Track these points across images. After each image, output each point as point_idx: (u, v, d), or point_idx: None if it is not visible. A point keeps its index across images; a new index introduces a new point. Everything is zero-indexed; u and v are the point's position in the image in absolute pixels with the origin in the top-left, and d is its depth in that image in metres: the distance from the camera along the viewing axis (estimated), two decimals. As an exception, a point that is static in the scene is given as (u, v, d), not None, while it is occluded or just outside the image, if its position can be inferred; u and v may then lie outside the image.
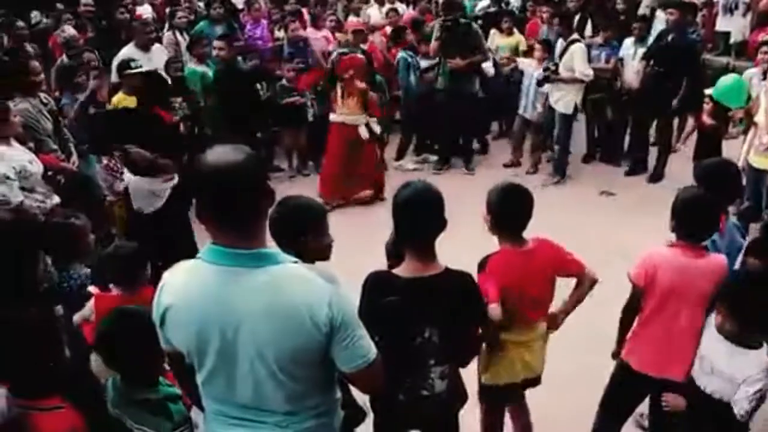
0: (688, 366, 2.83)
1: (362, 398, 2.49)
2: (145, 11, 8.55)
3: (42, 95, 4.75)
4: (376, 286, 2.38)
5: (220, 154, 1.68)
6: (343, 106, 6.49)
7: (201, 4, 9.24)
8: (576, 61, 6.64)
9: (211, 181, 1.67)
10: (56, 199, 3.96)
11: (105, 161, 5.16)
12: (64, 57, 6.45)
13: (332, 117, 6.61)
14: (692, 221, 2.79)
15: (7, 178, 3.68)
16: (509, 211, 2.74)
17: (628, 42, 7.02)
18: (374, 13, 8.94)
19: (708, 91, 6.01)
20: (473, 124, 7.65)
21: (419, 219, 2.38)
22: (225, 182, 1.65)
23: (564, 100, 6.82)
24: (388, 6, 8.82)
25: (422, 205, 2.38)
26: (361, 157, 6.60)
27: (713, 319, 2.73)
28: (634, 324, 2.94)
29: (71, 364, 2.40)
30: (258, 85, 7.05)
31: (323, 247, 2.41)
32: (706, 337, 2.76)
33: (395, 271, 2.44)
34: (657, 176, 6.79)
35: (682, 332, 2.81)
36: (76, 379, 2.37)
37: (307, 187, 6.92)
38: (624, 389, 3.03)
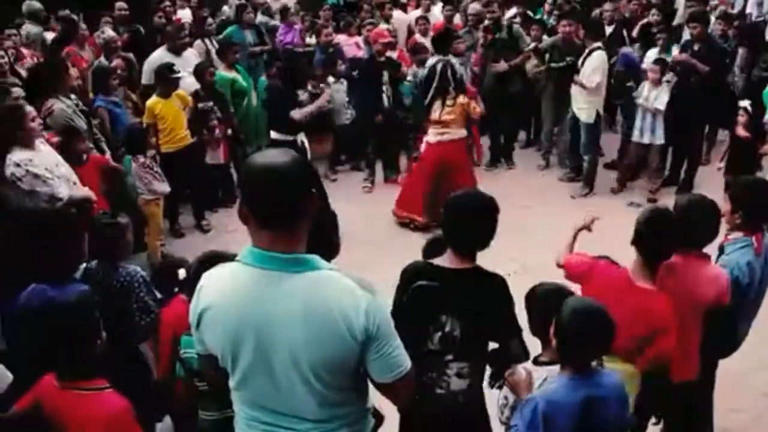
0: (698, 363, 2.86)
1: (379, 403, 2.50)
2: (185, 16, 8.69)
3: (74, 96, 4.88)
4: (413, 273, 2.47)
5: (267, 156, 1.72)
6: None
7: (227, 9, 9.36)
8: (588, 67, 6.61)
9: (255, 182, 1.69)
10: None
11: (142, 159, 5.23)
12: (102, 58, 6.60)
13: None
14: (691, 227, 2.76)
15: (46, 179, 3.77)
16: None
17: (652, 53, 6.93)
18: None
19: (742, 104, 5.93)
20: (513, 125, 7.96)
21: (468, 229, 2.45)
22: (268, 185, 1.67)
23: (587, 108, 6.78)
24: (417, 13, 8.85)
25: (474, 216, 2.45)
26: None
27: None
28: None
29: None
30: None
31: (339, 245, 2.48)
32: None
33: (434, 260, 2.52)
34: (686, 188, 6.67)
35: (687, 335, 2.78)
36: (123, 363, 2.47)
37: (334, 193, 6.97)
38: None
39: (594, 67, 6.57)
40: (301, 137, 5.96)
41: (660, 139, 6.61)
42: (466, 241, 2.48)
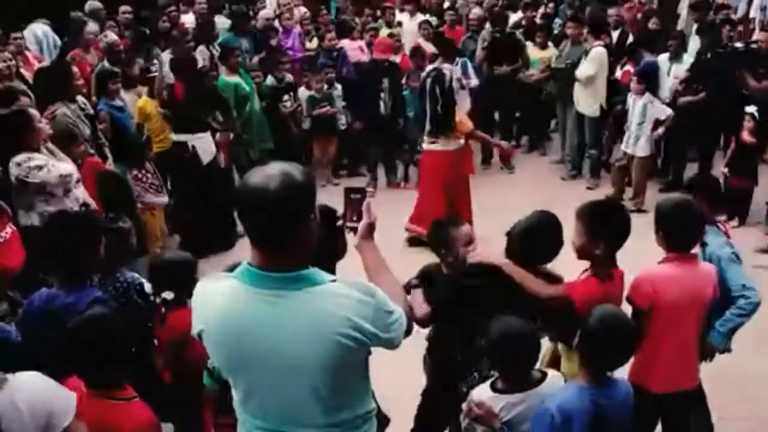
0: (697, 371, 2.90)
1: (385, 406, 2.49)
2: (188, 20, 8.70)
3: (80, 100, 4.87)
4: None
5: (261, 176, 1.65)
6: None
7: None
8: (586, 61, 6.85)
9: (248, 203, 1.66)
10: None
11: (135, 172, 5.12)
12: (105, 62, 6.60)
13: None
14: (681, 231, 2.78)
15: (47, 165, 3.78)
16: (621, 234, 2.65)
17: (663, 58, 6.95)
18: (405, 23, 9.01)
19: (749, 109, 5.92)
20: (510, 130, 8.21)
21: (538, 246, 2.67)
22: (260, 207, 1.64)
23: (590, 103, 6.98)
24: (420, 18, 8.86)
25: (544, 234, 2.68)
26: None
27: None
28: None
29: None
30: (285, 96, 7.11)
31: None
32: None
33: None
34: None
35: (691, 341, 2.84)
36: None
37: (338, 198, 6.95)
38: (644, 413, 2.83)
39: (590, 59, 6.81)
40: (194, 140, 5.77)
41: (643, 152, 6.54)
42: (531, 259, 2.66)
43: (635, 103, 6.46)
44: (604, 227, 2.64)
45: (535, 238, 2.75)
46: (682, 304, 2.74)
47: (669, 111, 6.42)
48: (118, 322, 2.29)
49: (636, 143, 6.51)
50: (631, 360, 2.75)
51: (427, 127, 5.80)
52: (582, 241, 2.67)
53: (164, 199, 5.34)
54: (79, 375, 2.20)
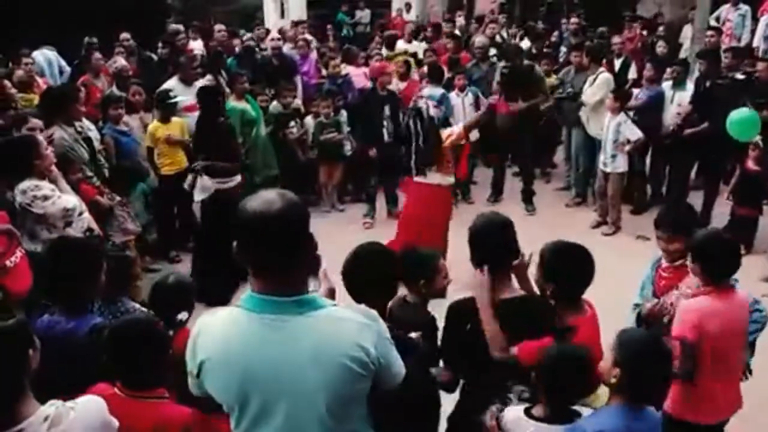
0: (740, 397, 2.88)
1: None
2: (196, 47, 8.81)
3: (78, 124, 4.92)
4: (458, 313, 2.54)
5: (261, 201, 1.68)
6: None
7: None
8: (593, 86, 6.92)
9: (249, 228, 1.67)
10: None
11: (118, 198, 4.98)
12: (114, 88, 6.67)
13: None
14: (720, 263, 2.77)
15: (52, 197, 3.79)
16: (572, 273, 2.53)
17: (666, 86, 6.98)
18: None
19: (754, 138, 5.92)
20: (530, 163, 7.83)
21: (495, 247, 2.53)
22: (261, 231, 1.65)
23: (601, 126, 6.92)
24: (425, 45, 8.97)
25: (497, 234, 2.53)
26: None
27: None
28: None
29: None
30: (292, 123, 7.17)
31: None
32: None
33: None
34: (703, 223, 6.58)
35: (737, 370, 2.86)
36: None
37: (342, 223, 6.95)
38: None
39: (598, 85, 6.90)
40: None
41: (619, 168, 6.58)
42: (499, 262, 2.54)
43: (610, 122, 6.52)
44: (557, 271, 2.53)
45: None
46: (724, 336, 2.73)
47: (640, 134, 6.44)
48: (159, 326, 2.43)
49: (613, 161, 6.58)
50: (676, 395, 2.75)
51: (413, 163, 5.58)
52: (536, 277, 2.60)
53: (138, 228, 5.17)
54: (119, 374, 2.27)
